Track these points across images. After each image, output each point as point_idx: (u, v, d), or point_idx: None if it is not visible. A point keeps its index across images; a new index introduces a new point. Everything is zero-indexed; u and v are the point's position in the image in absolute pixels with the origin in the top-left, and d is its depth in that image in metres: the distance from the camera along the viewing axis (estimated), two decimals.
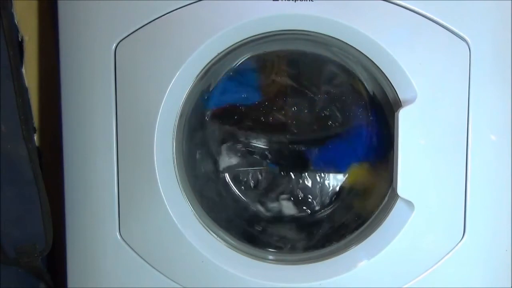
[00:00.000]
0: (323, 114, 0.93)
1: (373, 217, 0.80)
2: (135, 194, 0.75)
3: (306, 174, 0.95)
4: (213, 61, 0.73)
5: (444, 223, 0.73)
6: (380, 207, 0.79)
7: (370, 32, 0.69)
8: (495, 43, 0.70)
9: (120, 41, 0.72)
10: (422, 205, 0.72)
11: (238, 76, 0.88)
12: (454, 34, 0.70)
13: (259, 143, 0.94)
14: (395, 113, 0.71)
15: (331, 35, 0.71)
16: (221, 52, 0.73)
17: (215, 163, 0.94)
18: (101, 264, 0.78)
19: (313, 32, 0.72)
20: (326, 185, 0.96)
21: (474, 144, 0.71)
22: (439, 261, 0.74)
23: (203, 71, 0.74)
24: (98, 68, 0.73)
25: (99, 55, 0.72)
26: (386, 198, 0.79)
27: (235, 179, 0.95)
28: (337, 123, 0.93)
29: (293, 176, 0.95)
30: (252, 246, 0.81)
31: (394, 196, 0.74)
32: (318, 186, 0.96)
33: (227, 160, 0.93)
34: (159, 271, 0.76)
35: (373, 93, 0.85)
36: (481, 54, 0.70)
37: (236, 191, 0.96)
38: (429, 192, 0.72)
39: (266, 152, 0.94)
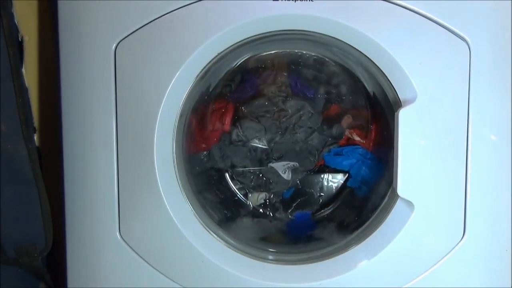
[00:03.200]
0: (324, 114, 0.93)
1: (373, 217, 0.80)
2: (135, 194, 0.75)
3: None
4: (213, 61, 0.73)
5: (444, 223, 0.73)
6: (380, 207, 0.79)
7: (370, 32, 0.69)
8: (495, 43, 0.70)
9: (120, 41, 0.72)
10: (422, 205, 0.72)
11: None
12: (454, 34, 0.70)
13: (260, 143, 0.94)
14: (395, 113, 0.71)
15: (331, 35, 0.71)
16: (221, 52, 0.73)
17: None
18: (101, 264, 0.78)
19: (313, 32, 0.72)
20: (326, 185, 0.96)
21: (474, 144, 0.71)
22: (439, 261, 0.74)
23: (203, 71, 0.74)
24: (98, 68, 0.73)
25: (99, 55, 0.72)
26: (386, 198, 0.79)
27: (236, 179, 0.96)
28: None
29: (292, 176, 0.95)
30: (252, 246, 0.81)
31: (394, 196, 0.74)
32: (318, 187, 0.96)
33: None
34: (159, 271, 0.76)
35: (373, 93, 0.85)
36: (481, 54, 0.70)
37: (237, 191, 0.96)
38: (429, 192, 0.72)
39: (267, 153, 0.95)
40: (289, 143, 0.94)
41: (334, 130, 0.94)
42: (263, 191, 0.96)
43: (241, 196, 0.96)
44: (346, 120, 0.93)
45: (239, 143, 0.93)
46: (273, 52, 0.88)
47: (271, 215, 0.95)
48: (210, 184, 0.94)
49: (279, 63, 0.91)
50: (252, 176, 0.95)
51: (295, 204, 0.95)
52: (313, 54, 0.88)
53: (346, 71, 0.89)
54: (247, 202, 0.96)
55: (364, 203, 0.88)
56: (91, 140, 0.74)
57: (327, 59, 0.88)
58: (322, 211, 0.95)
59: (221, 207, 0.92)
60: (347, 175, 0.95)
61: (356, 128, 0.93)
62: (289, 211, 0.95)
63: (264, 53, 0.87)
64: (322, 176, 0.96)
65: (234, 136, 0.92)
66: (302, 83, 0.92)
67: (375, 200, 0.83)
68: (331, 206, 0.95)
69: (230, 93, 0.92)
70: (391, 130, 0.74)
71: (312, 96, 0.93)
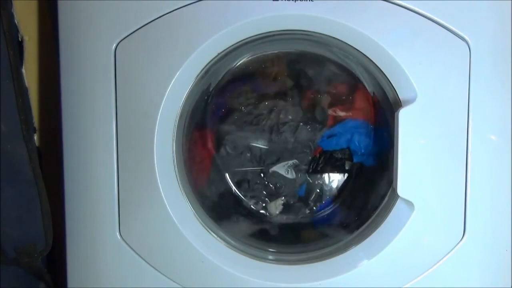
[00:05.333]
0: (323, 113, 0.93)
1: (373, 217, 0.80)
2: (135, 194, 0.75)
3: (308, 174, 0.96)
4: (213, 61, 0.73)
5: (444, 223, 0.73)
6: (380, 207, 0.79)
7: (370, 32, 0.69)
8: (495, 43, 0.70)
9: (120, 41, 0.72)
10: (422, 205, 0.72)
11: None
12: (454, 34, 0.70)
13: (259, 143, 0.94)
14: (395, 113, 0.72)
15: (331, 35, 0.71)
16: (221, 52, 0.73)
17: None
18: (101, 264, 0.78)
19: (313, 32, 0.72)
20: (327, 185, 0.96)
21: (474, 144, 0.71)
22: (439, 261, 0.74)
23: (203, 71, 0.74)
24: (98, 68, 0.73)
25: (99, 55, 0.72)
26: (386, 198, 0.79)
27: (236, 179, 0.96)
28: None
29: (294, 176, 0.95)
30: (252, 246, 0.81)
31: (394, 196, 0.74)
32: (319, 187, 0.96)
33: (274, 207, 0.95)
34: (159, 271, 0.76)
35: (373, 93, 0.85)
36: (481, 54, 0.70)
37: (237, 191, 0.96)
38: (429, 192, 0.72)
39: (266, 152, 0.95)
40: (280, 143, 0.93)
41: (318, 115, 0.92)
42: (277, 198, 0.95)
43: (241, 195, 0.96)
44: (325, 100, 0.92)
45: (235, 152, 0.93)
46: (274, 52, 0.88)
47: (298, 218, 0.94)
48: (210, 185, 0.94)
49: (279, 64, 0.91)
50: (260, 187, 0.95)
51: (312, 198, 0.95)
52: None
53: (310, 56, 0.88)
54: (266, 214, 0.95)
55: (364, 203, 0.88)
56: (91, 140, 0.74)
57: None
58: (323, 211, 0.95)
59: (220, 206, 0.92)
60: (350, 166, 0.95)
61: (338, 105, 0.92)
62: (310, 206, 0.95)
63: (264, 53, 0.87)
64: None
65: (224, 153, 0.92)
66: (265, 84, 0.91)
67: (375, 200, 0.83)
68: (331, 206, 0.95)
69: (204, 121, 0.91)
70: (391, 130, 0.74)
71: (282, 90, 0.92)
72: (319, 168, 0.94)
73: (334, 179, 0.96)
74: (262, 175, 0.95)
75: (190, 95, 0.75)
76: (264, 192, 0.95)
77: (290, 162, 0.94)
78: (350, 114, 0.92)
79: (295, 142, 0.93)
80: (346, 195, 0.94)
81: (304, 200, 0.96)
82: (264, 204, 0.95)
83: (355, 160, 0.93)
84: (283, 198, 0.95)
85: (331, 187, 0.96)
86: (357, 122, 0.92)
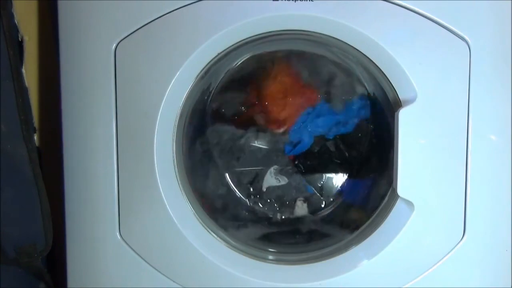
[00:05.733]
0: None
1: (373, 217, 0.80)
2: (135, 194, 0.75)
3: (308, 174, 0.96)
4: (213, 61, 0.73)
5: (444, 223, 0.73)
6: (380, 207, 0.79)
7: (370, 32, 0.69)
8: (495, 43, 0.70)
9: (120, 41, 0.72)
10: (422, 205, 0.72)
11: None
12: (454, 34, 0.70)
13: (260, 143, 0.94)
14: (395, 113, 0.72)
15: (331, 35, 0.71)
16: (221, 52, 0.73)
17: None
18: (101, 264, 0.78)
19: (313, 32, 0.72)
20: (327, 185, 0.96)
21: (474, 144, 0.71)
22: (439, 261, 0.74)
23: (203, 71, 0.74)
24: (98, 68, 0.73)
25: (99, 55, 0.72)
26: (386, 198, 0.79)
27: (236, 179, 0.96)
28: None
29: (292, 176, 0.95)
30: (252, 246, 0.82)
31: (394, 196, 0.74)
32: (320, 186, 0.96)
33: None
34: (159, 271, 0.76)
35: (373, 93, 0.85)
36: (481, 54, 0.70)
37: (237, 191, 0.96)
38: (429, 192, 0.72)
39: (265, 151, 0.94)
40: (249, 158, 0.93)
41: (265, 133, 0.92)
42: (295, 202, 0.94)
43: (241, 195, 0.96)
44: (261, 120, 0.91)
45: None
46: (273, 51, 0.88)
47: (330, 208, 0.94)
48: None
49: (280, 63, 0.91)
50: (275, 204, 0.95)
51: (323, 186, 0.95)
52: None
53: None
54: (279, 215, 0.94)
55: (364, 203, 0.88)
56: (91, 140, 0.74)
57: None
58: (322, 210, 0.95)
59: (221, 206, 0.92)
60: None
61: (269, 121, 0.91)
62: (331, 195, 0.94)
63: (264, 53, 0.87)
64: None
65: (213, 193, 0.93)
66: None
67: (375, 200, 0.83)
68: (331, 205, 0.95)
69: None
70: (391, 130, 0.74)
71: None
72: (304, 170, 0.94)
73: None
74: (259, 195, 0.95)
75: (190, 95, 0.75)
76: (276, 204, 0.95)
77: (272, 169, 0.93)
78: (286, 126, 0.90)
79: (263, 150, 0.93)
80: (327, 212, 0.95)
81: (318, 192, 0.95)
82: (284, 213, 0.95)
83: (331, 137, 0.91)
84: (300, 199, 0.94)
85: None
86: (299, 119, 0.90)
